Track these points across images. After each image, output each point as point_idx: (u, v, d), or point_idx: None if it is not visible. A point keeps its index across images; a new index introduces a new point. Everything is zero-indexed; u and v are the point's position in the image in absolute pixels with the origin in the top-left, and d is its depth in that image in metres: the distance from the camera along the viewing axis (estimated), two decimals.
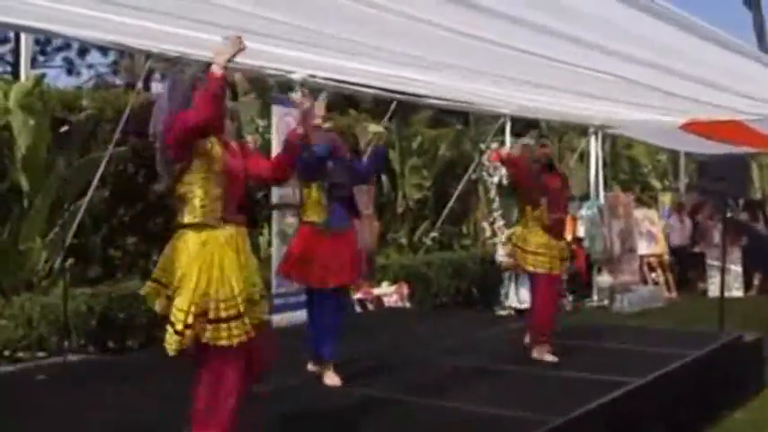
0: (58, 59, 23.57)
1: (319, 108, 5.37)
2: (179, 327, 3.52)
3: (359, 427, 4.60)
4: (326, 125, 5.55)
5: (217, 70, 3.51)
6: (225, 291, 3.56)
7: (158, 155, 3.69)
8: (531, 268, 6.44)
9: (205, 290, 3.54)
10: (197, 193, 3.64)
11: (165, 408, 4.87)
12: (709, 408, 6.28)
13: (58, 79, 21.95)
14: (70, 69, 24.25)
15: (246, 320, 3.60)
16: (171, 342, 3.55)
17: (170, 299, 3.62)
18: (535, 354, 6.37)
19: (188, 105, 3.61)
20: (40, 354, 6.83)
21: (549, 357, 6.34)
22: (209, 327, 3.55)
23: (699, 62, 7.14)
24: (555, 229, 6.48)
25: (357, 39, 5.92)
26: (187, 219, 3.66)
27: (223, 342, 3.56)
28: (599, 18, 5.57)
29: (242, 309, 3.58)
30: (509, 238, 6.79)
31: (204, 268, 3.56)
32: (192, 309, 3.51)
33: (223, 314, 3.55)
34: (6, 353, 6.70)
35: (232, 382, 3.65)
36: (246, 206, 3.91)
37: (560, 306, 8.91)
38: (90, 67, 24.55)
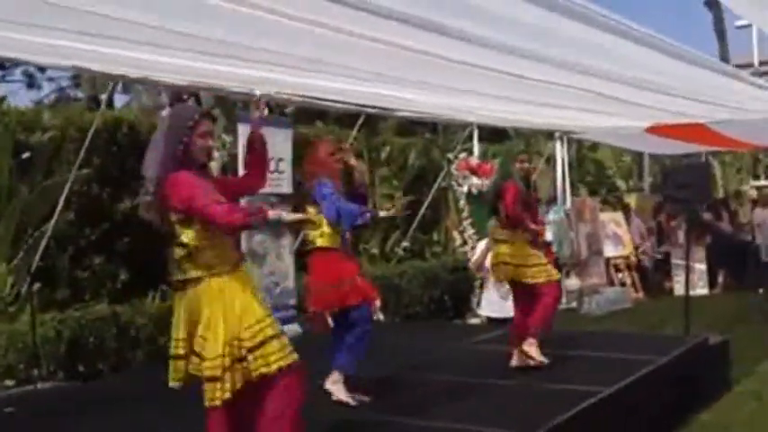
0: (18, 73, 23.32)
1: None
2: (218, 372, 3.47)
3: None
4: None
5: (270, 215, 3.64)
6: (250, 320, 3.54)
7: (148, 197, 3.65)
8: (531, 280, 6.51)
9: (234, 332, 3.51)
10: (206, 245, 3.58)
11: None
12: (676, 410, 6.37)
13: (17, 94, 21.71)
14: (31, 83, 24.01)
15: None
16: (212, 391, 3.51)
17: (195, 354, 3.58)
18: (524, 346, 6.40)
19: (183, 147, 3.57)
20: (9, 383, 6.77)
21: (537, 356, 6.38)
22: (251, 358, 3.51)
23: (661, 73, 7.29)
24: (534, 239, 6.63)
25: (322, 58, 5.96)
26: (199, 273, 3.59)
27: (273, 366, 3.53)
28: (561, 35, 5.66)
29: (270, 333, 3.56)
30: (495, 258, 6.76)
31: (228, 313, 3.52)
32: (227, 351, 3.48)
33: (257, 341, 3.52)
34: None
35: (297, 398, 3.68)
36: None
37: None
38: (51, 80, 24.31)
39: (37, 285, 7.61)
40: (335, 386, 5.43)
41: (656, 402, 6.08)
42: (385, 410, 5.32)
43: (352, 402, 5.38)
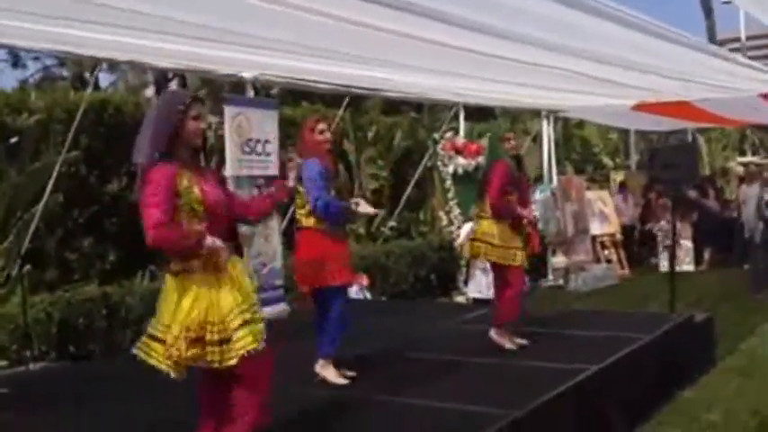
0: (2, 53, 23.17)
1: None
2: (173, 351, 3.55)
3: (316, 426, 4.67)
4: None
5: (209, 245, 3.54)
6: (217, 314, 3.58)
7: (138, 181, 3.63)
8: (501, 261, 6.50)
9: (198, 317, 3.55)
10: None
11: (135, 414, 4.93)
12: (661, 387, 6.45)
13: (3, 73, 21.60)
14: (16, 62, 23.87)
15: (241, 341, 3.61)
16: (164, 364, 3.63)
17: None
18: (496, 338, 6.46)
19: (174, 130, 3.58)
20: (1, 363, 6.82)
21: (509, 345, 6.44)
22: (212, 350, 3.57)
23: (646, 53, 7.35)
24: (517, 223, 6.55)
25: (307, 42, 5.99)
26: (174, 267, 3.63)
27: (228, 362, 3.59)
28: (550, 18, 5.71)
29: (236, 329, 3.59)
30: (474, 233, 6.69)
31: (196, 302, 3.57)
32: (185, 334, 3.53)
33: (216, 337, 3.57)
34: None
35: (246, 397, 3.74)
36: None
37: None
38: (36, 59, 24.17)
39: (27, 268, 7.64)
40: (324, 370, 5.51)
41: (641, 379, 6.16)
42: (370, 388, 5.36)
43: (341, 382, 5.45)
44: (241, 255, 3.85)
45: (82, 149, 8.91)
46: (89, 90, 9.00)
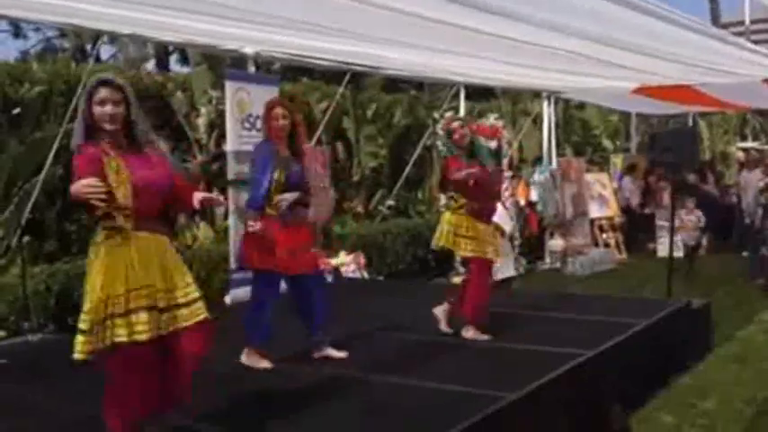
0: (4, 23, 23.05)
1: None
2: (84, 326, 3.60)
3: (315, 406, 4.67)
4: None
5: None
6: (119, 288, 3.63)
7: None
8: (463, 252, 6.40)
9: (108, 292, 3.60)
10: (106, 210, 3.62)
11: None
12: (656, 374, 6.48)
13: (4, 44, 21.54)
14: (17, 33, 23.78)
15: (149, 320, 3.65)
16: (78, 343, 3.63)
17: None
18: (465, 333, 6.33)
19: (89, 117, 3.67)
20: (0, 334, 6.83)
21: (480, 336, 6.32)
22: (111, 324, 3.61)
23: (649, 36, 7.32)
24: (483, 215, 6.44)
25: (308, 19, 5.96)
26: (99, 237, 3.69)
27: (123, 339, 3.61)
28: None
29: (136, 304, 3.63)
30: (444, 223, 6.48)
31: (108, 277, 3.62)
32: (95, 311, 3.59)
33: (117, 310, 3.61)
34: None
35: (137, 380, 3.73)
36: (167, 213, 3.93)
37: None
38: (37, 30, 24.08)
39: (26, 238, 7.64)
40: (246, 356, 5.55)
41: (637, 365, 6.18)
42: (364, 369, 5.39)
43: (263, 366, 5.48)
44: (171, 238, 3.89)
45: None
46: (91, 62, 8.96)
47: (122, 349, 3.63)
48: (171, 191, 3.85)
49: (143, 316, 3.64)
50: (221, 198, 3.99)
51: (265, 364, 5.49)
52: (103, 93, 3.67)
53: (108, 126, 3.68)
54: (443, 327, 6.48)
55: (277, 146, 5.44)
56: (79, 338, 3.62)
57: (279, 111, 5.44)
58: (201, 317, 3.81)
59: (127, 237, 3.65)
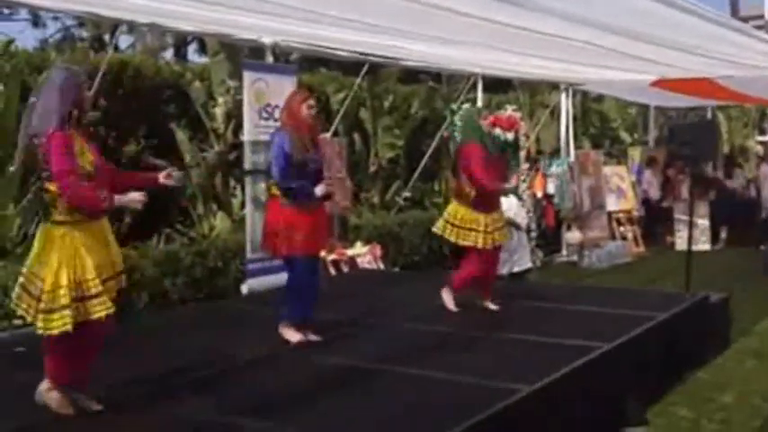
0: (23, 12, 23.13)
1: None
2: (65, 301, 3.88)
3: (331, 396, 4.67)
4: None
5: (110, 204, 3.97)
6: (83, 274, 3.93)
7: (35, 141, 3.99)
8: (462, 241, 6.62)
9: (67, 274, 3.90)
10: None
11: (147, 374, 4.98)
12: (674, 368, 6.44)
13: (23, 33, 21.64)
14: (36, 22, 23.84)
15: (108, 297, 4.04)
16: (56, 319, 3.92)
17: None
18: (443, 294, 6.74)
19: (73, 104, 3.99)
20: (18, 322, 6.84)
21: (452, 306, 6.70)
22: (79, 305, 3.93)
23: (670, 28, 7.26)
24: (483, 205, 6.57)
25: (327, 12, 5.95)
26: (57, 217, 3.98)
27: (91, 316, 3.97)
28: None
29: (100, 288, 3.98)
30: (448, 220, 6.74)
31: (64, 258, 3.91)
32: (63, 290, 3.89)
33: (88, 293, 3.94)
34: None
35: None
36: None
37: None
38: (56, 19, 24.12)
39: None
40: (284, 331, 5.74)
41: (654, 359, 6.14)
42: (380, 359, 5.38)
43: (297, 339, 5.66)
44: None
45: (101, 111, 8.91)
46: (110, 52, 8.97)
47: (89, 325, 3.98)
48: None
49: (105, 295, 4.01)
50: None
51: (299, 336, 5.67)
52: (87, 82, 4.16)
53: (88, 112, 4.15)
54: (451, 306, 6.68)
55: (296, 134, 5.49)
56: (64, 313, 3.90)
57: (311, 101, 5.62)
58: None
59: (84, 218, 3.96)
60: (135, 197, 4.03)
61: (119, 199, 4.01)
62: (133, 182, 4.36)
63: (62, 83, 4.02)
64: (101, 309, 3.98)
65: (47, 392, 4.18)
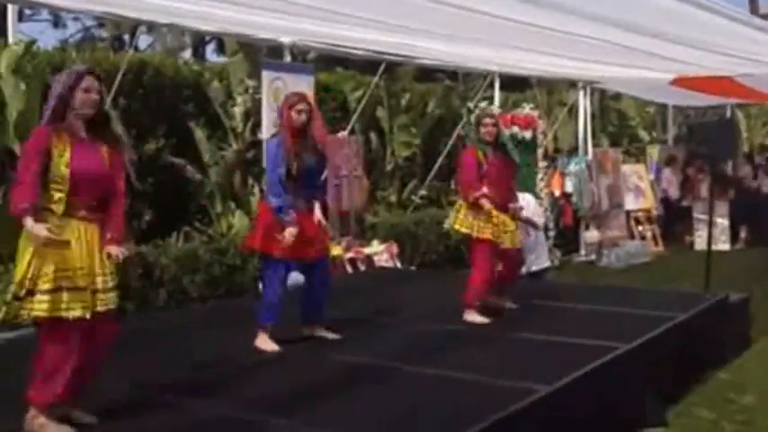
0: (45, 13, 23.28)
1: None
2: (20, 292, 3.79)
3: (347, 394, 4.68)
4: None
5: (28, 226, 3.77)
6: (50, 267, 3.81)
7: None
8: (471, 232, 6.45)
9: (37, 266, 3.79)
10: (44, 195, 3.87)
11: (170, 370, 5.01)
12: (693, 368, 6.40)
13: (43, 33, 21.75)
14: (56, 23, 24.00)
15: (85, 300, 3.86)
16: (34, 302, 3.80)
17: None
18: (466, 317, 6.45)
19: (62, 102, 3.92)
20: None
21: (479, 319, 6.43)
22: (42, 298, 3.80)
23: (689, 25, 7.22)
24: (496, 205, 6.41)
25: (344, 11, 5.96)
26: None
27: (61, 313, 3.81)
28: None
29: (79, 284, 3.85)
30: (456, 211, 6.62)
31: (38, 252, 3.80)
32: (26, 283, 3.79)
33: (47, 286, 3.79)
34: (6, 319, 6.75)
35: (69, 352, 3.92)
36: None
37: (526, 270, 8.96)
38: (76, 19, 24.29)
39: None
40: (258, 339, 5.66)
41: (673, 359, 6.11)
42: (396, 358, 5.38)
43: (272, 348, 5.58)
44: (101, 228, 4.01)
45: (120, 110, 8.96)
46: (130, 51, 9.01)
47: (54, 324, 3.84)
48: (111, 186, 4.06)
49: (66, 295, 3.83)
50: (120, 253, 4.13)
51: (273, 347, 5.59)
52: (90, 81, 3.95)
53: (89, 111, 3.95)
54: (482, 318, 6.47)
55: (289, 140, 5.50)
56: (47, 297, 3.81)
57: (301, 105, 5.53)
58: (112, 305, 4.01)
59: (60, 219, 3.86)
60: (39, 231, 3.75)
61: (28, 221, 3.77)
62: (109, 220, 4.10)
63: (57, 80, 4.00)
64: (73, 307, 3.83)
65: (32, 420, 4.00)
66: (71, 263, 3.86)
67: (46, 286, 3.79)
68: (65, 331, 3.87)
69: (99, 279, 3.94)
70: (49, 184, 3.86)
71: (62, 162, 3.86)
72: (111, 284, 4.00)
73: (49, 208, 3.87)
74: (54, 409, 4.00)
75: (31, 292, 3.79)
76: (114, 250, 3.97)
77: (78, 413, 4.13)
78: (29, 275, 3.79)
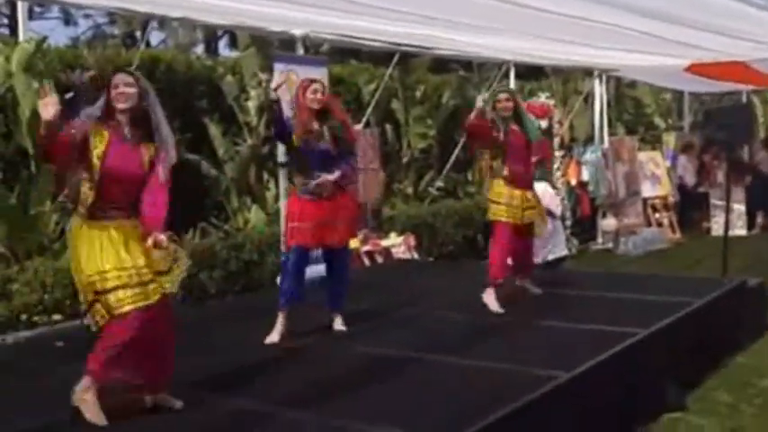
0: (55, 10, 23.37)
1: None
2: (90, 297, 3.98)
3: (369, 385, 4.69)
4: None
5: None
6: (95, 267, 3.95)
7: None
8: (491, 216, 6.58)
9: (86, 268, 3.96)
10: (80, 189, 4.03)
11: (190, 366, 5.02)
12: (712, 353, 6.39)
13: (55, 31, 21.85)
14: (67, 20, 24.11)
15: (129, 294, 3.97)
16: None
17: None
18: (484, 297, 6.50)
19: (105, 100, 4.09)
20: (57, 317, 6.95)
21: (495, 306, 6.45)
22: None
23: (701, 10, 7.17)
24: (516, 181, 6.52)
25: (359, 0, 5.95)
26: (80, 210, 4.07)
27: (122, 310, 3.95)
28: None
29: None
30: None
31: (83, 251, 3.97)
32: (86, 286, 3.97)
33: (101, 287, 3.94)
34: (23, 317, 6.81)
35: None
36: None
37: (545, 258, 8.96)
38: (87, 17, 24.38)
39: None
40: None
41: (692, 345, 6.09)
42: (417, 347, 5.41)
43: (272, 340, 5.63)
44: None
45: None
46: (141, 47, 9.04)
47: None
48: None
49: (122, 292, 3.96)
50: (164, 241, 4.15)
51: (273, 338, 5.64)
52: (118, 78, 4.10)
53: (121, 105, 4.04)
54: (496, 307, 6.48)
55: (299, 119, 5.60)
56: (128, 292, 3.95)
57: (316, 86, 5.63)
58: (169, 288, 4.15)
59: (94, 220, 3.99)
60: (48, 104, 3.91)
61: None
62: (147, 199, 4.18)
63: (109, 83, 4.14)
64: (125, 303, 3.96)
65: (81, 392, 4.12)
66: (121, 263, 3.97)
67: (110, 285, 3.93)
68: (127, 321, 3.98)
69: (144, 270, 4.04)
70: (82, 179, 4.02)
71: (95, 154, 3.98)
72: (163, 269, 4.11)
73: (84, 209, 4.00)
74: (134, 397, 4.22)
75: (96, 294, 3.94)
76: (159, 237, 4.05)
77: (163, 397, 4.28)
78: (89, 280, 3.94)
